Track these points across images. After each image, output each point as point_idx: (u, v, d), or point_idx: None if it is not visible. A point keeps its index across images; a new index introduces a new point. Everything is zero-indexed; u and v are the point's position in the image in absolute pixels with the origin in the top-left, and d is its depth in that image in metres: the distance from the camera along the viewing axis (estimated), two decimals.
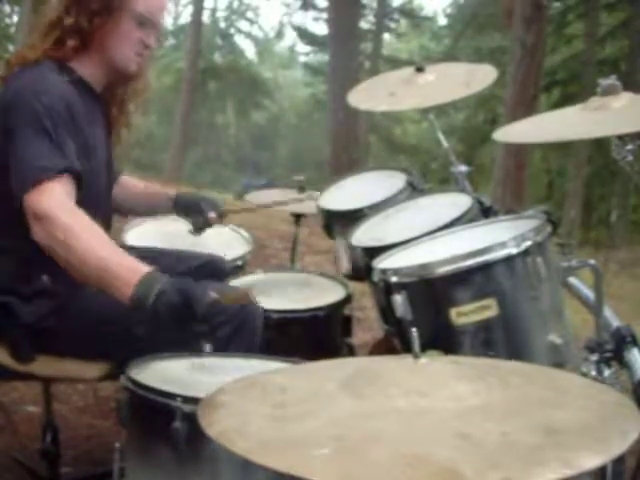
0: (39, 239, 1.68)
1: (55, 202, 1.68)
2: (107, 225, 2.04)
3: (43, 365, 1.90)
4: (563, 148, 14.06)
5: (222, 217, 2.34)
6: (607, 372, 1.90)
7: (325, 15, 19.97)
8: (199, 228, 2.30)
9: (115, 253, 1.64)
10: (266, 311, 2.20)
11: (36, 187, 1.69)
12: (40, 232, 1.67)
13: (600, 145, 11.21)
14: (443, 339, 1.79)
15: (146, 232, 2.65)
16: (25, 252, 1.87)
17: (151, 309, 1.55)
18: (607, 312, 2.01)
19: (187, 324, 1.56)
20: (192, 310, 1.55)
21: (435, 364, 1.12)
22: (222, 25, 26.24)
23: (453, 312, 1.80)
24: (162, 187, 2.36)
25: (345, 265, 2.10)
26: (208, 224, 2.30)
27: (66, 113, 1.80)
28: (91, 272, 1.63)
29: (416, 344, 1.11)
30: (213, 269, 2.32)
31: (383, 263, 2.00)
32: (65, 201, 1.70)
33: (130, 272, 1.59)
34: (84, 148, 1.84)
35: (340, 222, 2.47)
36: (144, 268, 1.60)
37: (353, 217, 2.38)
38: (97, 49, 1.95)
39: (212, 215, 2.29)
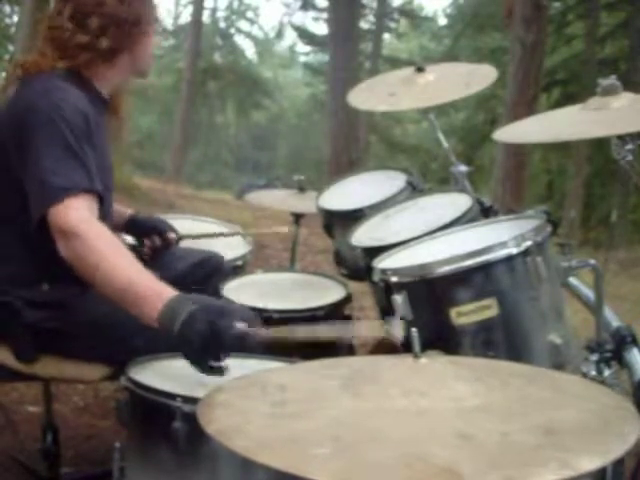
0: (65, 256, 1.66)
1: (81, 219, 1.67)
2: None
3: (45, 366, 1.90)
4: (563, 148, 14.05)
5: (179, 240, 2.30)
6: (607, 372, 1.90)
7: (325, 15, 19.97)
8: (156, 249, 2.25)
9: (141, 274, 1.62)
10: (266, 311, 2.20)
11: (61, 203, 1.67)
12: (66, 249, 1.65)
13: (600, 145, 11.20)
14: (443, 339, 1.79)
15: None
16: (25, 258, 1.87)
17: (178, 335, 1.51)
18: (607, 312, 2.01)
19: (213, 355, 1.51)
20: (219, 343, 1.50)
21: (435, 364, 1.12)
22: (222, 25, 26.22)
23: (453, 312, 1.80)
24: (119, 205, 2.28)
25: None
26: (166, 245, 2.26)
27: (85, 126, 1.80)
28: (116, 292, 1.61)
29: (416, 344, 1.11)
30: (212, 267, 2.32)
31: (383, 263, 2.00)
32: (91, 218, 1.69)
33: (156, 294, 1.56)
34: (97, 160, 1.84)
35: (340, 222, 2.47)
36: (170, 291, 1.57)
37: (353, 217, 2.38)
38: (124, 61, 1.96)
39: (172, 236, 2.26)
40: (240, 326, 1.52)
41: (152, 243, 2.25)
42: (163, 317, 1.53)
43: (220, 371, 1.50)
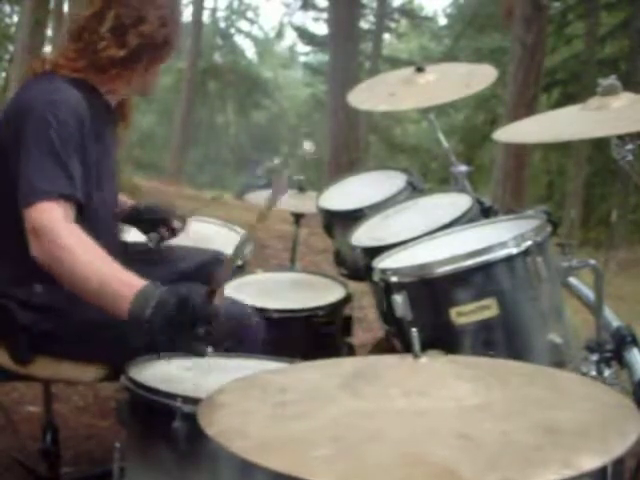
0: (37, 255, 1.67)
1: (54, 219, 1.67)
2: (115, 239, 2.03)
3: (41, 367, 1.90)
4: (563, 148, 14.06)
5: (184, 223, 2.27)
6: (607, 372, 1.91)
7: (325, 15, 19.95)
8: (160, 240, 2.23)
9: (113, 269, 1.62)
10: (266, 311, 2.20)
11: (36, 205, 1.68)
12: (38, 248, 1.66)
13: (600, 145, 11.20)
14: (443, 339, 1.78)
15: None
16: (20, 259, 1.87)
17: (149, 322, 1.52)
18: (607, 312, 2.01)
19: (187, 327, 1.52)
20: (190, 309, 1.51)
21: (435, 364, 1.12)
22: (222, 25, 26.22)
23: (453, 312, 1.80)
24: (121, 195, 2.27)
25: None
26: (174, 234, 2.25)
27: (77, 131, 1.79)
28: (89, 288, 1.62)
29: (416, 344, 1.11)
30: (216, 266, 2.31)
31: (383, 263, 2.00)
32: (63, 219, 1.69)
33: (128, 287, 1.57)
34: (92, 165, 1.83)
35: (340, 222, 2.47)
36: (140, 282, 1.58)
37: (353, 217, 2.38)
38: (137, 82, 1.96)
39: (178, 224, 2.24)
40: (206, 289, 1.54)
41: (160, 235, 2.23)
42: (134, 307, 1.55)
43: (201, 352, 1.52)
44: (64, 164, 1.74)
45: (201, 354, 1.52)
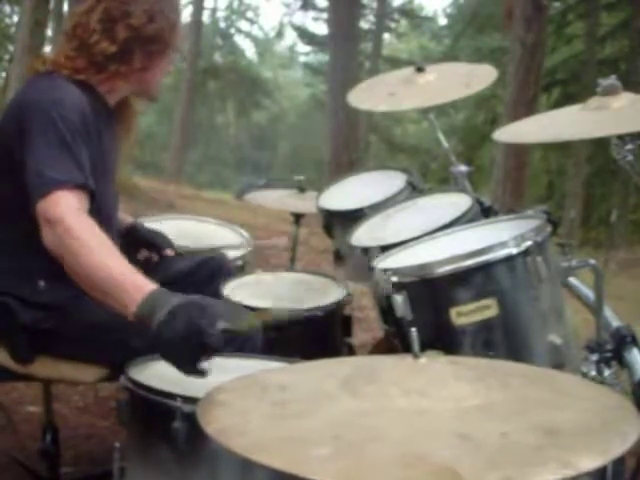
0: (49, 244, 1.66)
1: (68, 209, 1.67)
2: (115, 238, 2.03)
3: (42, 367, 1.90)
4: (563, 148, 14.06)
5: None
6: (607, 372, 1.90)
7: (325, 15, 19.96)
8: (147, 261, 2.19)
9: (124, 267, 1.61)
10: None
11: (50, 195, 1.68)
12: (51, 237, 1.65)
13: (600, 145, 11.20)
14: (443, 339, 1.79)
15: None
16: (23, 256, 1.87)
17: (156, 332, 1.49)
18: (607, 312, 2.01)
19: (193, 356, 1.47)
20: (200, 343, 1.46)
21: (435, 364, 1.12)
22: (222, 25, 26.25)
23: (453, 312, 1.80)
24: (121, 214, 2.24)
25: None
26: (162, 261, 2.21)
27: (82, 125, 1.80)
28: (97, 282, 1.60)
29: (416, 344, 1.11)
30: (215, 266, 2.31)
31: (383, 263, 2.00)
32: (78, 209, 1.69)
33: (136, 288, 1.55)
34: (95, 162, 1.84)
35: (340, 222, 2.47)
36: (151, 285, 1.56)
37: (353, 217, 2.38)
38: (136, 78, 1.97)
39: (170, 253, 2.22)
40: (222, 325, 1.48)
41: (148, 257, 2.21)
42: (141, 311, 1.52)
43: (201, 373, 1.47)
44: (74, 155, 1.75)
45: (201, 375, 1.48)
